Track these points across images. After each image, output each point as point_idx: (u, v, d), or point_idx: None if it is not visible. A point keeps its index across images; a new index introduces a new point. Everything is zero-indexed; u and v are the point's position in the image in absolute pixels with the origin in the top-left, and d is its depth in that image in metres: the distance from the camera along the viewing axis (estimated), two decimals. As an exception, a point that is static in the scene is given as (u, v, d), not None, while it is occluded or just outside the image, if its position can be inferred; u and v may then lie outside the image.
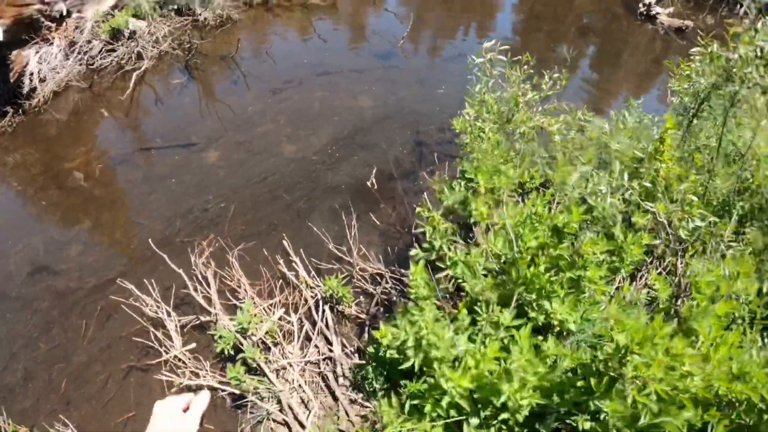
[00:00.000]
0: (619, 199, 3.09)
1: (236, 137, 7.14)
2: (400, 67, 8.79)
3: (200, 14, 9.46)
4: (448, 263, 2.85)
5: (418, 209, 2.96)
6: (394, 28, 9.74)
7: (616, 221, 2.85)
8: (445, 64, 9.01)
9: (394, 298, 4.29)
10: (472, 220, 3.30)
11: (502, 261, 2.93)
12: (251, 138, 7.10)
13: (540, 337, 2.93)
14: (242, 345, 3.95)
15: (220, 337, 3.89)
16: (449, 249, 2.87)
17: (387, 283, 4.45)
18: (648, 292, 3.50)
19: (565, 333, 3.02)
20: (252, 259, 5.20)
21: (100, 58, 8.38)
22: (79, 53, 8.22)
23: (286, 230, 5.53)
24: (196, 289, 4.40)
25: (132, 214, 5.99)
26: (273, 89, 8.05)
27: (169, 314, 4.33)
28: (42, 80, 7.75)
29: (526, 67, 4.09)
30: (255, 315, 4.03)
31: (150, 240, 5.25)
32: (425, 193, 5.58)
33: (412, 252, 2.83)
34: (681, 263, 3.78)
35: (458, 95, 7.98)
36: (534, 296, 2.93)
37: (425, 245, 3.04)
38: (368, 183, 5.89)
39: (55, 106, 7.71)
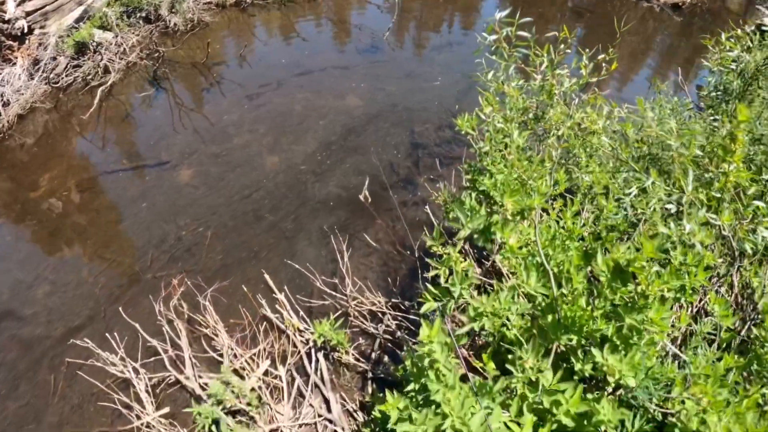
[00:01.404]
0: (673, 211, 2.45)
1: (211, 150, 6.46)
2: (387, 61, 8.12)
3: (169, 20, 8.74)
4: (471, 314, 2.21)
5: (427, 242, 2.30)
6: (378, 21, 9.06)
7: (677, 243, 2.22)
8: (434, 54, 8.34)
9: (399, 336, 3.66)
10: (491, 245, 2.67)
11: (537, 302, 2.30)
12: (228, 150, 6.42)
13: (590, 397, 2.31)
14: (222, 417, 3.30)
15: (198, 414, 3.24)
16: (471, 296, 2.23)
17: (389, 319, 3.80)
18: (707, 319, 2.88)
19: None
20: (230, 297, 4.54)
21: (66, 75, 7.66)
22: (43, 71, 7.50)
23: (270, 257, 4.87)
24: (166, 341, 3.74)
25: (99, 248, 5.31)
26: (249, 95, 7.36)
27: (137, 372, 3.67)
28: (5, 104, 7.05)
29: (562, 46, 3.25)
30: (235, 370, 3.38)
31: (120, 276, 4.60)
32: (427, 207, 4.92)
33: (423, 308, 2.18)
34: (737, 278, 3.16)
35: (455, 87, 7.33)
36: (579, 341, 2.31)
37: (437, 287, 2.40)
38: (361, 197, 5.24)
39: (20, 130, 6.99)
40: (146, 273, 4.99)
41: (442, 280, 2.27)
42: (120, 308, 4.62)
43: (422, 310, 2.19)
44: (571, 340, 2.30)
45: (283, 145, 6.42)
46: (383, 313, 3.90)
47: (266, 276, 4.35)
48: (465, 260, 2.29)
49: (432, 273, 2.31)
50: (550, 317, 2.26)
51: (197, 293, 4.42)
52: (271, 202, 5.59)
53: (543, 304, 2.30)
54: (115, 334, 4.09)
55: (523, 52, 3.16)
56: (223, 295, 4.54)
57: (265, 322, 4.02)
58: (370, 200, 5.22)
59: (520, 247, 2.56)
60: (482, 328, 2.33)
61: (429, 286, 2.37)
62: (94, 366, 4.07)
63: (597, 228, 3.04)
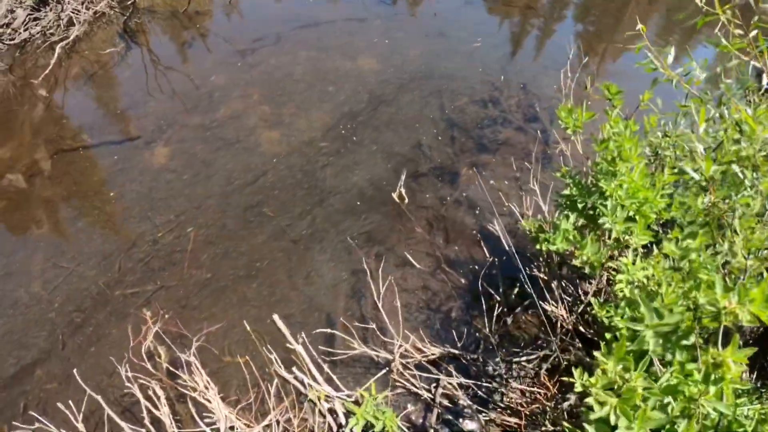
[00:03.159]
0: None
1: (194, 121, 5.21)
2: (412, 16, 6.75)
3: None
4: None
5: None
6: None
7: None
8: (470, 10, 6.94)
9: (464, 405, 2.63)
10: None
11: None
12: (216, 123, 5.18)
13: None
14: None
15: None
16: None
17: (448, 376, 2.75)
18: None
19: None
20: (225, 335, 3.45)
21: (23, 30, 6.27)
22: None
23: (277, 276, 3.76)
24: (141, 409, 2.68)
25: (54, 255, 4.17)
26: (241, 51, 6.02)
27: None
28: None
29: None
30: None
31: (81, 294, 3.50)
32: (477, 210, 3.79)
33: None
34: None
35: (499, 51, 6.01)
36: None
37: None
38: (395, 195, 4.09)
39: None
40: (114, 289, 3.88)
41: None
42: (81, 342, 3.55)
43: None
44: None
45: (284, 117, 5.18)
46: (438, 364, 2.86)
47: (278, 321, 3.24)
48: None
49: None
50: None
51: (180, 332, 3.34)
52: (277, 197, 4.41)
53: None
54: (70, 402, 3.00)
55: None
56: (214, 333, 3.46)
57: (276, 379, 2.95)
58: (406, 200, 4.08)
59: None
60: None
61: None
62: None
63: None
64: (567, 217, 2.44)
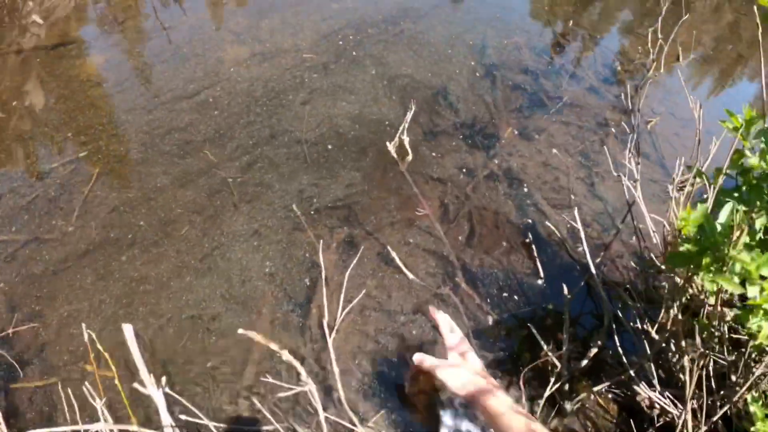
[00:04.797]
0: None
1: (146, 26, 3.79)
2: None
3: None
4: None
5: None
6: None
7: None
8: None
9: None
10: None
11: None
12: (170, 28, 3.76)
13: None
14: None
15: None
16: None
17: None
18: None
19: None
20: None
21: None
22: None
23: (164, 242, 2.37)
24: None
25: None
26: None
27: None
28: None
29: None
30: None
31: None
32: (527, 189, 2.38)
33: None
34: None
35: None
36: None
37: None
38: (391, 147, 2.66)
39: None
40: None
41: None
42: None
43: None
44: None
45: (263, 32, 3.72)
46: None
47: (129, 335, 1.88)
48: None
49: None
50: None
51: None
52: (214, 121, 2.99)
53: None
54: None
55: None
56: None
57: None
58: (409, 157, 2.66)
59: None
60: None
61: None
62: None
63: None
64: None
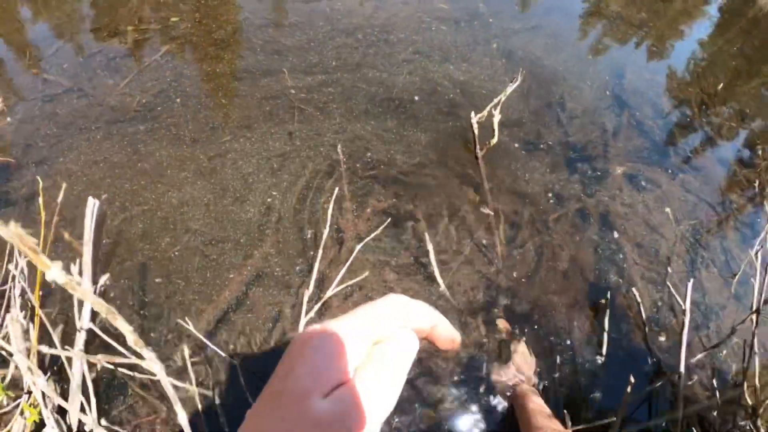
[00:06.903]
0: None
1: None
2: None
3: None
4: None
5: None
6: None
7: None
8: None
9: None
10: None
11: None
12: None
13: None
14: None
15: None
16: None
17: None
18: None
19: None
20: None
21: None
22: None
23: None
24: None
25: None
26: None
27: None
28: None
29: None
30: None
31: None
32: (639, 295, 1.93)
33: None
34: None
35: None
36: None
37: None
38: (474, 121, 2.21)
39: None
40: None
41: None
42: None
43: None
44: None
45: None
46: None
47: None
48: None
49: None
50: None
51: None
52: (318, 34, 2.63)
53: None
54: None
55: None
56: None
57: None
58: (495, 140, 2.20)
59: None
60: None
61: None
62: None
63: None
64: None
